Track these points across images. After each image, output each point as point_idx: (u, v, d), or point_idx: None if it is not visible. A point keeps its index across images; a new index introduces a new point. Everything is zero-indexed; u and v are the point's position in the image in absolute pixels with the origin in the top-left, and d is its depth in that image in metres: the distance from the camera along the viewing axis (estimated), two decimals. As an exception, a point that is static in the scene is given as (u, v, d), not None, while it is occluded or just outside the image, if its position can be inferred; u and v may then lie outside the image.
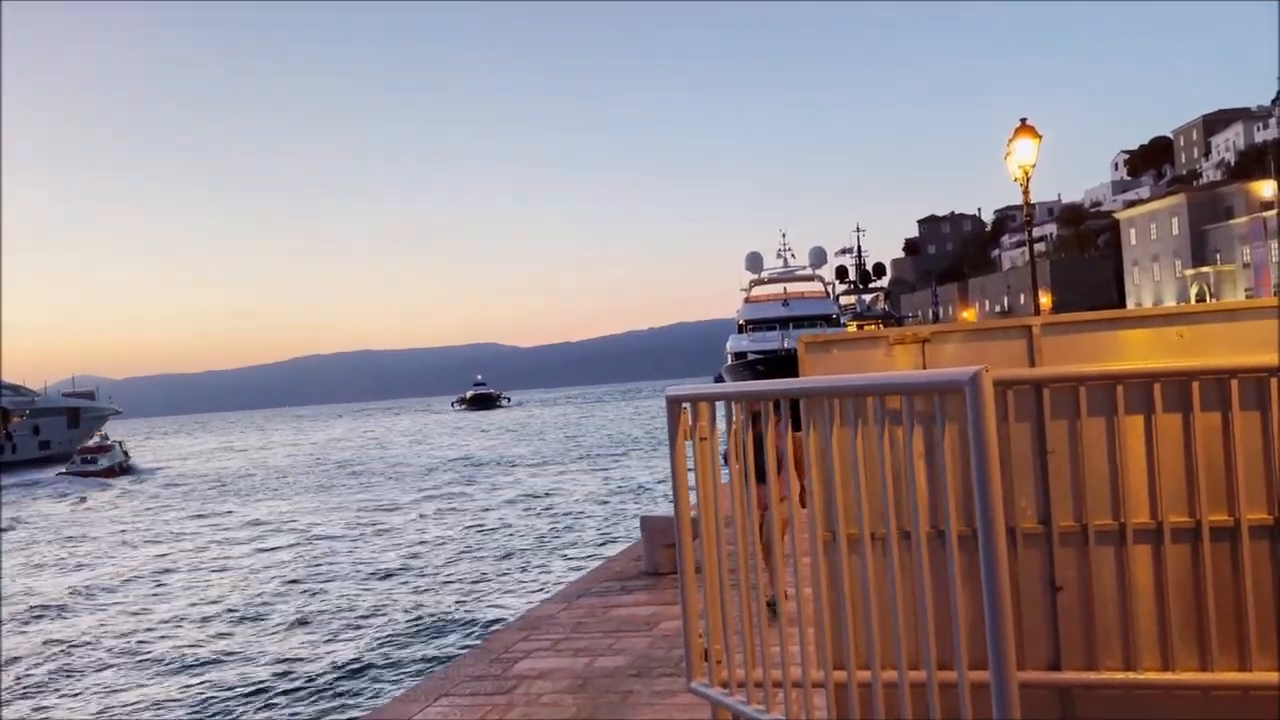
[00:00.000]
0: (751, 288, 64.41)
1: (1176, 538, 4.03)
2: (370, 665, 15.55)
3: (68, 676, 16.48)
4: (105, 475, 63.96)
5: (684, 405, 4.24)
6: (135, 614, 21.05)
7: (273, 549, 29.09)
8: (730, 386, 4.18)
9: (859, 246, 79.24)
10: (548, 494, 38.55)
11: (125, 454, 71.50)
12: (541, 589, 19.67)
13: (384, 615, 19.00)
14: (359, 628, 18.17)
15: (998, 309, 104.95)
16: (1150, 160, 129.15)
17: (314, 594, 21.70)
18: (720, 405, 4.22)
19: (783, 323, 55.37)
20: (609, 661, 7.07)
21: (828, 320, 57.06)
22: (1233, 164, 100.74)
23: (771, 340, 52.29)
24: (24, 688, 15.97)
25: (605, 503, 34.70)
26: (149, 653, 17.57)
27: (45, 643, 18.85)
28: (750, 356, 52.45)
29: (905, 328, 4.69)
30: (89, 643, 18.70)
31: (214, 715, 13.92)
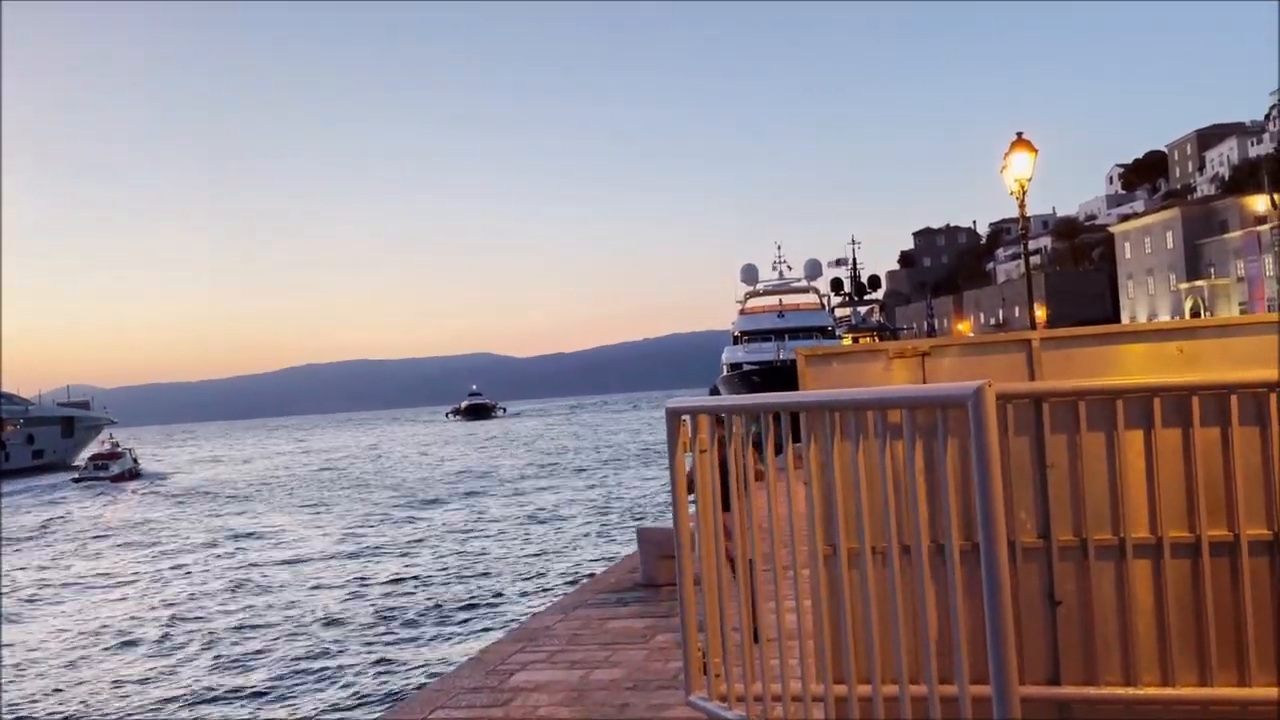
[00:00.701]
0: (747, 299, 64.47)
1: (1176, 553, 4.03)
2: (361, 675, 15.50)
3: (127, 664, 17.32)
4: (116, 481, 66.57)
5: (683, 418, 4.24)
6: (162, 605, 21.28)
7: (273, 558, 29.07)
8: (731, 399, 4.18)
9: (854, 259, 79.36)
10: (542, 505, 38.47)
11: (135, 460, 73.75)
12: (538, 600, 19.62)
13: (379, 625, 18.94)
14: (347, 639, 18.11)
15: (992, 321, 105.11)
16: (1144, 174, 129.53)
17: (296, 604, 21.63)
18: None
19: (778, 334, 55.42)
20: (605, 674, 7.04)
21: (823, 332, 57.09)
22: (1227, 178, 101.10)
23: (767, 351, 52.32)
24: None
25: (601, 514, 34.63)
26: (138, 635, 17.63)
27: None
28: (746, 368, 52.49)
29: (904, 341, 4.70)
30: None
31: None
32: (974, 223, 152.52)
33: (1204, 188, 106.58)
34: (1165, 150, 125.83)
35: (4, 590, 25.72)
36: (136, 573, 28.63)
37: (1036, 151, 20.24)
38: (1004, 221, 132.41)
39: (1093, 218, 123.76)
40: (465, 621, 18.95)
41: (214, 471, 77.59)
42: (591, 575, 16.38)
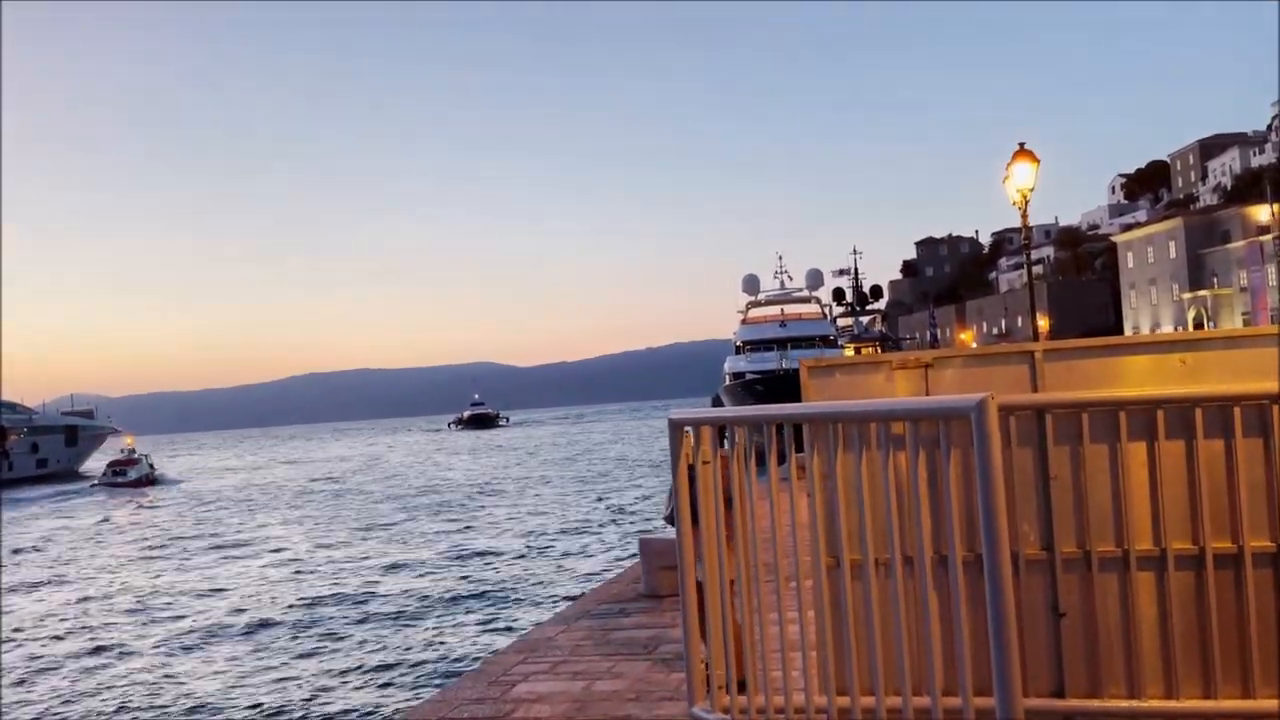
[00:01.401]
0: (748, 309, 64.51)
1: (1180, 564, 4.02)
2: (365, 687, 15.48)
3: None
4: (135, 486, 69.44)
5: (686, 429, 4.24)
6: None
7: (281, 566, 29.11)
8: (733, 411, 4.18)
9: (856, 268, 79.37)
10: (544, 515, 38.44)
11: (151, 466, 75.84)
12: (540, 611, 19.59)
13: (379, 637, 18.92)
14: (347, 650, 18.09)
15: (995, 331, 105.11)
16: (1147, 184, 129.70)
17: (298, 616, 21.64)
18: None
19: (780, 344, 55.42)
20: (608, 685, 7.02)
21: (825, 341, 57.07)
22: (1229, 188, 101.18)
23: (769, 361, 52.36)
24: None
25: (604, 524, 34.60)
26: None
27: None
28: (748, 377, 52.49)
29: (907, 353, 4.70)
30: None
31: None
32: (976, 232, 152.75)
33: (1206, 197, 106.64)
34: (1168, 160, 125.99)
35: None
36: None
37: (1039, 161, 20.24)
38: (1006, 231, 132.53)
39: (1095, 227, 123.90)
40: (467, 631, 18.93)
41: (227, 479, 78.93)
42: (594, 585, 16.36)
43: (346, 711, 14.38)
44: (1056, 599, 4.13)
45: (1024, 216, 20.71)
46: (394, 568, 27.87)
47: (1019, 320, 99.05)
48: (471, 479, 60.72)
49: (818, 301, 66.00)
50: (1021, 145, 20.32)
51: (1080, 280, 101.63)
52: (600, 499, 43.70)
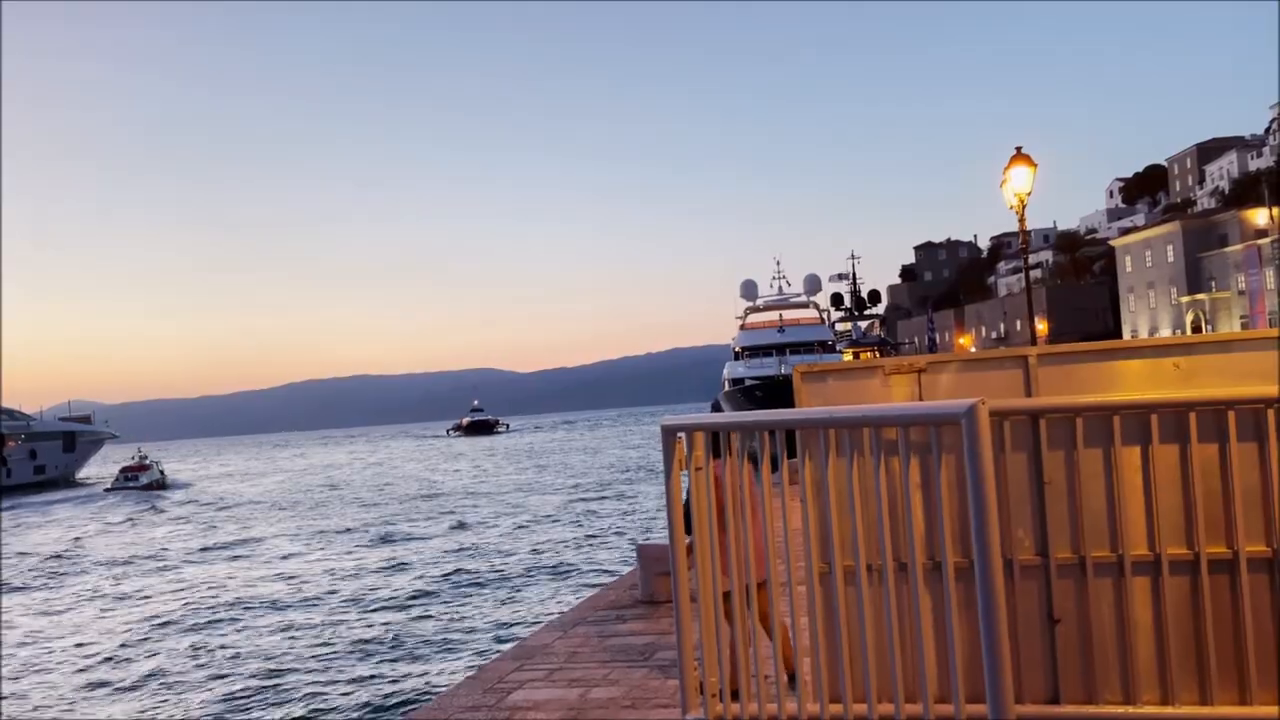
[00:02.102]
0: (747, 315, 64.59)
1: (1175, 570, 4.00)
2: (361, 691, 15.43)
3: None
4: (146, 490, 72.18)
5: (679, 435, 4.22)
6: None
7: (283, 568, 29.08)
8: (725, 416, 4.16)
9: (854, 273, 79.43)
10: (542, 521, 38.39)
11: (161, 472, 79.24)
12: (536, 618, 19.55)
13: (377, 642, 18.88)
14: (349, 654, 18.05)
15: (994, 335, 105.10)
16: (1145, 187, 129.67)
17: (298, 621, 21.59)
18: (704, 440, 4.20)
19: (779, 349, 55.49)
20: (604, 692, 7.00)
21: (823, 346, 57.09)
22: (1227, 192, 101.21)
23: (768, 366, 52.41)
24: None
25: (602, 530, 34.55)
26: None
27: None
28: (747, 383, 52.52)
29: (901, 358, 4.68)
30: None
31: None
32: (975, 236, 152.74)
33: (1204, 201, 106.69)
34: (1165, 164, 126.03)
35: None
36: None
37: (1036, 166, 20.24)
38: (1005, 235, 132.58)
39: (1093, 231, 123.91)
40: (463, 639, 18.88)
41: (233, 485, 79.82)
42: (592, 590, 16.32)
43: (346, 714, 14.35)
44: (1051, 605, 4.11)
45: (1022, 221, 20.70)
46: (392, 569, 27.85)
47: (1018, 324, 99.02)
48: (469, 485, 60.68)
49: (816, 306, 66.06)
50: (1019, 149, 20.33)
51: (1079, 284, 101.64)
52: (598, 505, 43.65)
